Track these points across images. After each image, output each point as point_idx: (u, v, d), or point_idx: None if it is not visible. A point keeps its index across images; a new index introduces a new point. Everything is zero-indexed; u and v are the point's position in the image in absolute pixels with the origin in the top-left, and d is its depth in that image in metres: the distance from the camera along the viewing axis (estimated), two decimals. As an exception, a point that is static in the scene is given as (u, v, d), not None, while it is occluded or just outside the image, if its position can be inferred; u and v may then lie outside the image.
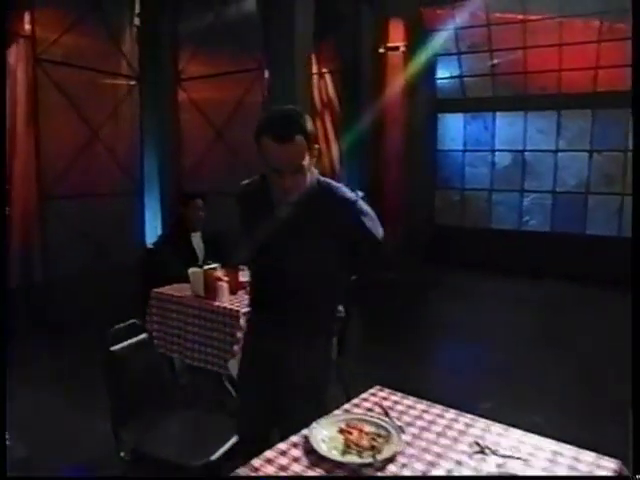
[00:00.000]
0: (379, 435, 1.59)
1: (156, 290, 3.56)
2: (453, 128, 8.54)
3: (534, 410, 3.39)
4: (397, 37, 7.64)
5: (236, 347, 3.04)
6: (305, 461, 1.51)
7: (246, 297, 3.37)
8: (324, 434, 1.60)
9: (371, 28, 7.50)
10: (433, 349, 5.20)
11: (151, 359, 2.62)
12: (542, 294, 6.77)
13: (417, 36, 7.67)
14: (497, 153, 8.28)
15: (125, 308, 3.49)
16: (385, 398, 1.88)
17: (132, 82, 6.01)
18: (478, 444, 1.57)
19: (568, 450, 1.55)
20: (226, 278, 3.41)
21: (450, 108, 8.44)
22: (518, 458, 1.50)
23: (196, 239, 4.17)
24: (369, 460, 1.48)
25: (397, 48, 7.62)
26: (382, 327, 5.56)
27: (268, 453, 1.55)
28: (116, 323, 2.50)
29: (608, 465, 1.49)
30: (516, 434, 1.63)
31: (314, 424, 1.64)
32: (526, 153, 8.09)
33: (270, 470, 1.49)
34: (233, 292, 3.44)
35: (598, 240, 7.68)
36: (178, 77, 6.27)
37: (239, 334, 3.00)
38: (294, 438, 1.62)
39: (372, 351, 4.59)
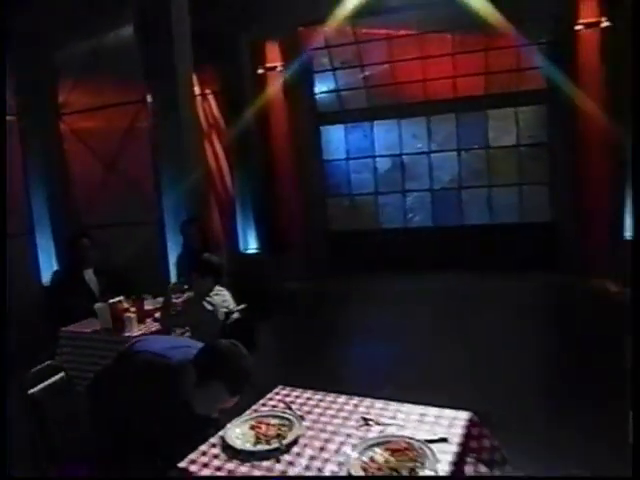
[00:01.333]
0: (283, 425, 1.91)
1: (64, 329, 3.67)
2: (335, 139, 9.07)
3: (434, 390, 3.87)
4: (274, 58, 8.05)
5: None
6: (223, 456, 1.80)
7: (155, 325, 3.57)
8: (237, 432, 1.90)
9: (248, 50, 7.84)
10: (337, 349, 5.60)
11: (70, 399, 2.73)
12: (438, 286, 7.37)
13: (293, 55, 8.11)
14: (378, 159, 8.92)
15: (32, 349, 3.56)
16: (287, 395, 2.21)
17: (10, 118, 5.92)
18: (364, 418, 1.94)
19: (432, 411, 1.96)
20: (133, 309, 3.59)
21: (331, 120, 8.96)
22: (395, 425, 1.89)
23: (88, 275, 4.30)
24: (276, 446, 1.79)
25: (275, 68, 8.03)
26: (287, 333, 5.90)
27: (191, 455, 1.83)
28: (27, 365, 2.61)
29: (462, 416, 1.91)
30: (394, 406, 2.02)
31: (228, 425, 1.93)
32: (404, 157, 8.79)
33: (194, 468, 1.76)
34: (141, 321, 3.63)
35: (474, 229, 8.52)
36: (58, 110, 6.25)
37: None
38: (212, 440, 1.90)
39: (280, 355, 4.91)
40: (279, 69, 8.01)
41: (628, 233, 6.77)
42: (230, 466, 1.74)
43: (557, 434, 3.26)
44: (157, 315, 3.60)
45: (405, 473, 1.59)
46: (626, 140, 6.49)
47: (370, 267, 8.39)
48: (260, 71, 7.98)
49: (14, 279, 5.71)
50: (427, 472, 1.58)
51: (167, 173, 5.49)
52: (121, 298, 3.60)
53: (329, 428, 1.91)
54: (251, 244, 8.06)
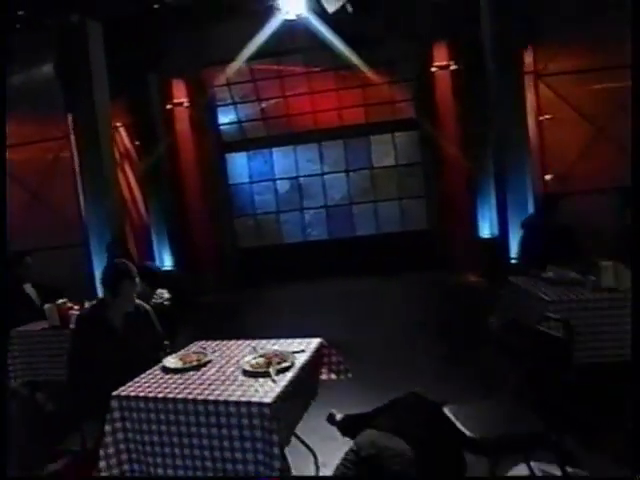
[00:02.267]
0: (200, 354, 2.98)
1: (17, 329, 4.47)
2: (239, 165, 10.20)
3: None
4: (180, 94, 9.06)
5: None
6: (162, 373, 2.83)
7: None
8: (171, 361, 2.94)
9: (156, 87, 8.81)
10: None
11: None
12: (334, 289, 8.58)
13: (197, 92, 9.18)
14: (278, 181, 10.13)
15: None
16: (202, 345, 3.27)
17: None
18: (254, 348, 3.05)
19: (299, 340, 3.10)
20: (76, 307, 4.49)
21: (234, 148, 10.08)
22: (274, 348, 3.00)
23: (28, 289, 5.12)
24: (195, 364, 2.85)
25: (182, 103, 9.04)
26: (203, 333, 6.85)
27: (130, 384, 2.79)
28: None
29: (317, 340, 3.07)
30: (274, 340, 3.14)
31: (165, 359, 2.97)
32: (300, 179, 10.06)
33: (144, 381, 2.77)
34: (82, 318, 4.52)
35: (364, 238, 9.89)
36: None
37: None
38: (156, 367, 2.93)
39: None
40: (185, 104, 9.04)
41: (485, 233, 8.34)
42: (166, 377, 2.77)
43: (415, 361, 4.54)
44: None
45: (272, 369, 2.69)
46: (472, 161, 8.14)
47: (275, 278, 9.48)
48: (168, 106, 8.96)
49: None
50: (285, 364, 2.71)
51: (90, 200, 6.37)
52: (65, 300, 4.49)
53: (230, 353, 3.01)
54: (167, 262, 8.94)
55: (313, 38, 7.85)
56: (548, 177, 6.30)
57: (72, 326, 4.32)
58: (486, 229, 8.19)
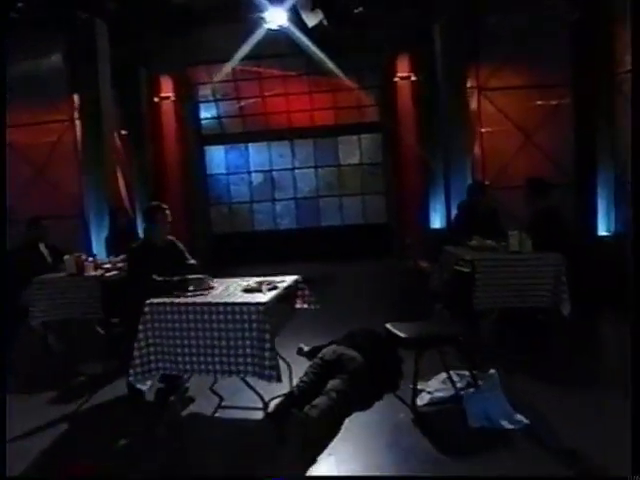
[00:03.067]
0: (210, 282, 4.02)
1: (39, 277, 5.38)
2: (217, 157, 11.19)
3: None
4: (167, 89, 10.01)
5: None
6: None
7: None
8: (189, 288, 3.97)
9: (146, 82, 9.74)
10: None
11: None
12: (302, 273, 9.59)
13: (183, 88, 10.15)
14: (252, 174, 11.17)
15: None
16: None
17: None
18: (248, 281, 4.11)
19: (285, 276, 4.17)
20: (90, 259, 5.45)
21: (213, 141, 11.08)
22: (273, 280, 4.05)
23: (42, 248, 6.02)
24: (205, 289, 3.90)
25: (168, 98, 9.99)
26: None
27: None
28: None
29: (295, 277, 4.15)
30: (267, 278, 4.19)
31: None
32: (273, 172, 11.12)
33: (167, 300, 3.79)
34: (94, 269, 5.48)
35: (330, 230, 11.00)
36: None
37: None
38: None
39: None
40: (172, 98, 10.00)
41: (436, 225, 9.53)
42: (182, 300, 3.78)
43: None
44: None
45: (263, 287, 3.75)
46: (428, 161, 9.32)
47: (246, 262, 10.47)
48: (156, 99, 9.90)
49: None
50: (272, 285, 3.78)
51: (90, 176, 7.30)
52: (80, 253, 5.44)
53: (231, 283, 4.07)
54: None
55: (291, 45, 8.92)
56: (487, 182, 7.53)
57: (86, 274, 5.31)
58: (437, 221, 9.39)
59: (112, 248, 6.50)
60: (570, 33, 7.43)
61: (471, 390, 3.74)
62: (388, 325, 3.98)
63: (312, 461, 3.11)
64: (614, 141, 6.99)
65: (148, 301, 3.68)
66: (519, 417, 3.41)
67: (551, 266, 4.65)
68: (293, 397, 3.65)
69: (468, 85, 7.74)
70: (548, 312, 4.77)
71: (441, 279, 5.12)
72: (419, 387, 3.86)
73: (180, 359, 3.65)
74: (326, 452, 3.22)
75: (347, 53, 9.42)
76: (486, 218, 5.54)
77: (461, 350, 3.83)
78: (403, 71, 9.68)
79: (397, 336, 3.80)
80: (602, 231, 7.29)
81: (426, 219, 9.56)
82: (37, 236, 5.96)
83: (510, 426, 3.34)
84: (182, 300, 3.67)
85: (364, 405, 3.77)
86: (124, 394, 4.22)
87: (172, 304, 3.65)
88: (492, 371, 3.74)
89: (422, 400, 3.79)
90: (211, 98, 10.83)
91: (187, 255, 4.39)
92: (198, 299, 3.67)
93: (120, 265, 5.47)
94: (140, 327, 3.65)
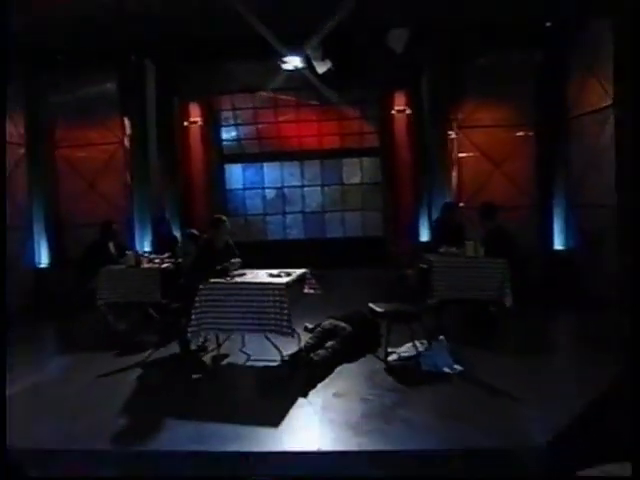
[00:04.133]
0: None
1: (105, 267, 7.04)
2: (235, 174, 12.88)
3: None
4: (195, 115, 11.74)
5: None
6: (223, 281, 5.54)
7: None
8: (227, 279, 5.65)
9: (177, 108, 11.45)
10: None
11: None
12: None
13: (209, 114, 11.89)
14: (266, 190, 12.85)
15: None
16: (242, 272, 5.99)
17: (21, 150, 9.09)
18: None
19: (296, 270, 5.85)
20: (145, 255, 7.15)
21: (233, 160, 12.78)
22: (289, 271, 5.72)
23: (110, 245, 7.69)
24: (238, 275, 5.58)
25: (196, 122, 11.72)
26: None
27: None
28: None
29: (305, 270, 5.82)
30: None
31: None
32: (284, 189, 12.80)
33: (213, 282, 5.47)
34: (147, 263, 7.17)
35: (334, 241, 12.63)
36: (56, 144, 9.51)
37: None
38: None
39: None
40: (199, 123, 11.73)
41: (424, 238, 11.15)
42: (226, 280, 5.42)
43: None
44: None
45: (282, 274, 5.40)
46: (419, 183, 10.95)
47: (259, 266, 12.09)
48: (185, 124, 11.63)
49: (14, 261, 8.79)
50: (288, 273, 5.42)
51: (137, 190, 9.02)
52: (138, 250, 7.13)
53: (258, 273, 5.72)
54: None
55: (303, 81, 10.62)
56: (462, 204, 9.16)
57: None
58: (425, 234, 11.00)
59: (157, 247, 8.21)
60: (534, 79, 9.11)
61: (426, 350, 5.38)
62: (370, 304, 5.64)
63: (313, 387, 4.75)
64: (568, 171, 8.65)
65: (202, 285, 5.34)
66: (457, 366, 5.05)
67: (497, 269, 6.27)
68: (302, 351, 5.29)
69: (449, 121, 9.43)
70: (496, 304, 6.39)
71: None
72: (392, 351, 5.49)
73: (223, 322, 5.30)
74: (323, 384, 4.85)
75: (351, 88, 11.13)
76: (454, 231, 7.18)
77: (422, 325, 5.48)
78: (399, 105, 11.37)
79: (375, 311, 5.45)
80: (558, 245, 8.91)
81: (416, 232, 11.19)
82: (108, 236, 7.65)
83: (449, 371, 4.98)
84: (226, 280, 5.34)
85: (351, 359, 5.42)
86: (176, 352, 5.87)
87: (220, 283, 5.32)
88: (441, 337, 5.37)
89: (392, 358, 5.42)
90: (232, 122, 12.54)
91: (236, 252, 6.02)
92: (237, 280, 5.34)
93: (167, 259, 7.16)
94: (197, 299, 5.30)
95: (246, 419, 4.12)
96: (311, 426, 4.05)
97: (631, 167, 6.80)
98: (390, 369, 5.19)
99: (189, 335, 5.41)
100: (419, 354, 5.34)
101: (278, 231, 12.92)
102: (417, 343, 5.58)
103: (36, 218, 9.27)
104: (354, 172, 12.70)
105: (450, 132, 9.46)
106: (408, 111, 11.28)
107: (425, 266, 6.20)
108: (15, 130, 9.01)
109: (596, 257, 7.80)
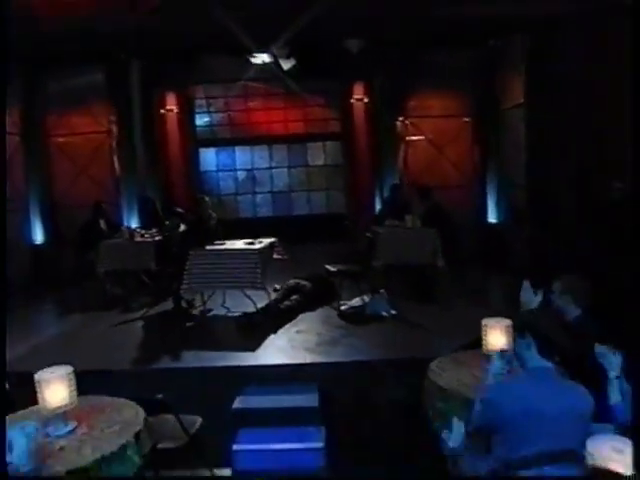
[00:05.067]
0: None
1: (104, 242, 8.42)
2: (209, 157, 14.23)
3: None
4: (172, 103, 12.99)
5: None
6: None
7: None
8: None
9: (153, 97, 12.71)
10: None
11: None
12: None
13: (184, 102, 13.19)
14: (238, 171, 14.25)
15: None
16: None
17: (16, 138, 10.32)
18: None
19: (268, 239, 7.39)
20: (138, 230, 8.57)
21: (207, 144, 14.12)
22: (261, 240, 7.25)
23: (102, 223, 9.08)
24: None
25: (172, 110, 13.00)
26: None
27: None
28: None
29: (272, 239, 7.36)
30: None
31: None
32: (254, 170, 14.23)
33: (200, 248, 6.96)
34: (141, 237, 8.59)
35: (301, 217, 14.13)
36: (49, 133, 10.76)
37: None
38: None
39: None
40: (175, 111, 13.02)
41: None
42: (210, 247, 6.91)
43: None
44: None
45: (256, 242, 6.91)
46: (379, 164, 12.50)
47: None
48: (162, 111, 12.91)
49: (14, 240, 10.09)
50: (260, 241, 6.94)
51: (124, 174, 10.37)
52: (128, 226, 8.54)
53: (235, 242, 7.22)
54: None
55: (271, 72, 12.01)
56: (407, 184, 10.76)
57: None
58: (381, 212, 12.58)
59: (145, 224, 9.62)
60: (473, 74, 10.69)
61: (370, 301, 6.98)
62: (326, 265, 7.21)
63: (280, 327, 6.30)
64: (500, 156, 10.31)
65: (192, 250, 6.82)
66: (393, 311, 6.66)
67: (430, 238, 7.88)
68: (272, 303, 6.84)
69: (400, 110, 10.99)
70: (430, 266, 8.00)
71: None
72: (343, 302, 7.07)
73: (209, 281, 6.81)
74: (288, 325, 6.42)
75: (315, 80, 12.56)
76: (399, 208, 8.76)
77: (368, 282, 7.09)
78: (358, 94, 12.81)
79: (330, 270, 7.03)
80: (491, 219, 10.60)
81: (372, 209, 12.78)
82: (98, 214, 9.03)
83: (386, 314, 6.59)
84: (210, 247, 6.84)
85: (311, 309, 6.99)
86: (170, 308, 7.35)
87: (206, 250, 6.81)
88: (382, 291, 6.97)
89: (344, 307, 7.00)
90: (205, 110, 13.86)
91: (219, 227, 7.51)
92: (219, 247, 6.84)
93: (155, 234, 8.59)
94: (187, 263, 6.79)
95: (231, 348, 5.69)
96: (279, 350, 5.63)
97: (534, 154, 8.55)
98: (341, 315, 6.78)
99: (182, 292, 6.90)
100: (364, 304, 6.93)
101: (249, 209, 14.36)
102: (364, 296, 7.16)
103: (32, 200, 10.54)
104: (318, 155, 14.18)
105: (401, 120, 11.01)
106: (366, 100, 12.75)
107: (370, 235, 7.81)
108: (10, 120, 10.22)
109: (519, 229, 9.50)
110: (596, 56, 7.37)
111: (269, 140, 14.03)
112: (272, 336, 6.05)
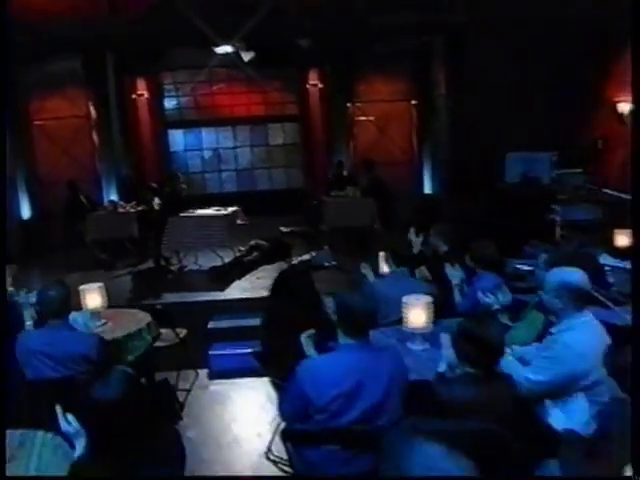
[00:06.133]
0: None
1: (91, 214, 10.00)
2: (178, 138, 15.75)
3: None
4: (142, 88, 14.48)
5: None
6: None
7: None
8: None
9: (125, 83, 14.16)
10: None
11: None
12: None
13: (154, 87, 14.67)
14: (204, 151, 15.83)
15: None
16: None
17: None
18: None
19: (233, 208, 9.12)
20: (120, 204, 10.19)
21: (175, 126, 15.63)
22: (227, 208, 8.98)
23: (82, 198, 10.66)
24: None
25: (143, 95, 14.48)
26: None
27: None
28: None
29: (236, 208, 9.11)
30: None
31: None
32: (220, 150, 15.82)
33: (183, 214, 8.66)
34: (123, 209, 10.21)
35: (263, 192, 15.81)
36: (31, 117, 12.17)
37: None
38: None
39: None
40: (145, 96, 14.50)
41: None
42: (186, 214, 8.58)
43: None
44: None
45: (223, 209, 8.61)
46: (332, 143, 14.23)
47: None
48: (133, 96, 14.38)
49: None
50: (227, 208, 8.65)
51: (103, 153, 11.91)
52: (113, 199, 10.14)
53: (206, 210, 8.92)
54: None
55: (234, 60, 13.57)
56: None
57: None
58: (335, 186, 14.35)
59: (124, 198, 11.21)
60: (414, 63, 12.47)
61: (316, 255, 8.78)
62: (281, 227, 8.98)
63: (243, 276, 8.06)
64: (434, 136, 12.16)
65: (171, 217, 8.50)
66: (333, 262, 8.46)
67: (368, 205, 9.69)
68: (236, 258, 8.58)
69: (349, 95, 12.73)
70: (368, 228, 9.81)
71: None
72: (294, 258, 8.84)
73: (184, 242, 8.49)
74: (250, 274, 8.17)
75: (273, 67, 14.17)
76: (344, 181, 10.55)
77: (316, 242, 8.90)
78: (313, 80, 14.48)
79: (283, 231, 8.81)
80: (427, 190, 12.49)
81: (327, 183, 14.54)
82: (75, 191, 10.60)
83: (327, 264, 8.39)
84: (185, 214, 8.53)
85: (269, 263, 8.75)
86: (152, 266, 9.02)
87: (181, 216, 8.49)
88: (326, 247, 8.76)
89: (296, 260, 8.77)
90: (173, 94, 15.35)
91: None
92: (194, 214, 8.53)
93: (135, 207, 10.21)
94: (166, 228, 8.45)
95: (205, 289, 7.42)
96: (243, 290, 7.42)
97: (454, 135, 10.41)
98: (292, 266, 8.55)
99: (162, 251, 8.58)
100: (311, 257, 8.72)
101: (216, 186, 15.96)
102: (312, 252, 8.95)
103: (19, 180, 11.99)
104: (278, 135, 15.83)
105: (351, 104, 12.76)
106: (320, 85, 14.43)
107: (316, 202, 9.60)
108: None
109: (449, 199, 11.40)
110: (499, 55, 9.25)
111: (233, 122, 15.62)
112: (237, 281, 7.80)
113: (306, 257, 8.86)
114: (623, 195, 6.21)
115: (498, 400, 2.94)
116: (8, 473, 2.55)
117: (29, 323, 4.49)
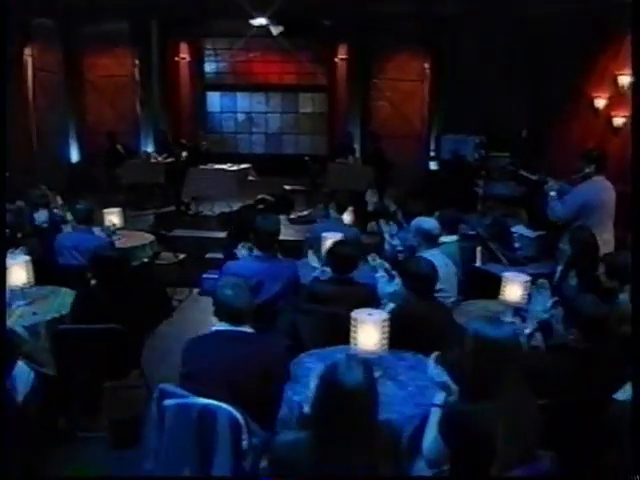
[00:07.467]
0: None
1: (127, 161, 11.82)
2: (215, 100, 17.44)
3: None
4: (184, 52, 16.15)
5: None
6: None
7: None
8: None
9: (169, 46, 15.84)
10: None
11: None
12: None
13: (195, 51, 16.34)
14: (238, 114, 17.48)
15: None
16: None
17: (55, 76, 13.58)
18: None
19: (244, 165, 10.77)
20: (154, 154, 11.97)
21: (212, 89, 17.31)
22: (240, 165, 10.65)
23: (119, 147, 12.50)
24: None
25: (185, 58, 16.16)
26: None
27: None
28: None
29: (248, 165, 10.76)
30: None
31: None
32: (252, 114, 17.43)
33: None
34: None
35: (288, 156, 17.38)
36: (84, 73, 14.05)
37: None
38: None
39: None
40: (187, 59, 16.18)
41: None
42: (203, 167, 10.28)
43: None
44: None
45: (233, 167, 10.25)
46: (353, 114, 15.67)
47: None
48: (176, 59, 16.07)
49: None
50: (236, 165, 10.28)
51: (145, 108, 13.70)
52: (148, 150, 11.93)
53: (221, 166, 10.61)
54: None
55: (268, 31, 15.06)
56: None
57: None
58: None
59: (158, 150, 13.00)
60: (427, 43, 13.73)
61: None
62: (284, 185, 10.59)
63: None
64: (439, 112, 13.47)
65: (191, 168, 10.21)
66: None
67: (367, 172, 11.17)
68: (245, 206, 10.25)
69: (370, 71, 14.11)
70: (366, 192, 11.29)
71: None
72: (297, 212, 10.43)
73: (201, 190, 10.20)
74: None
75: (306, 39, 15.62)
76: (348, 150, 12.04)
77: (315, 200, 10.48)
78: (342, 54, 15.81)
79: (285, 188, 10.42)
80: (432, 163, 13.86)
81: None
82: (113, 141, 12.42)
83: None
84: (203, 167, 10.22)
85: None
86: (173, 209, 10.77)
87: (199, 169, 10.20)
88: (321, 205, 10.31)
89: (293, 216, 10.36)
90: (213, 59, 17.01)
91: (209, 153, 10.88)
92: (209, 167, 10.22)
93: (165, 158, 11.97)
94: (187, 177, 10.17)
95: (211, 230, 9.13)
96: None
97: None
98: (291, 220, 10.17)
99: (182, 197, 10.32)
100: (309, 213, 10.30)
101: (246, 146, 17.65)
102: (311, 209, 10.53)
103: (70, 127, 13.93)
104: (307, 104, 17.33)
105: (370, 80, 14.16)
106: (348, 59, 15.79)
107: (319, 166, 11.15)
108: (55, 60, 13.49)
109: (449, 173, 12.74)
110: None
111: (266, 88, 17.21)
112: (240, 226, 9.47)
113: (304, 213, 10.46)
114: (532, 177, 7.64)
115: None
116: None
117: (67, 230, 6.24)
